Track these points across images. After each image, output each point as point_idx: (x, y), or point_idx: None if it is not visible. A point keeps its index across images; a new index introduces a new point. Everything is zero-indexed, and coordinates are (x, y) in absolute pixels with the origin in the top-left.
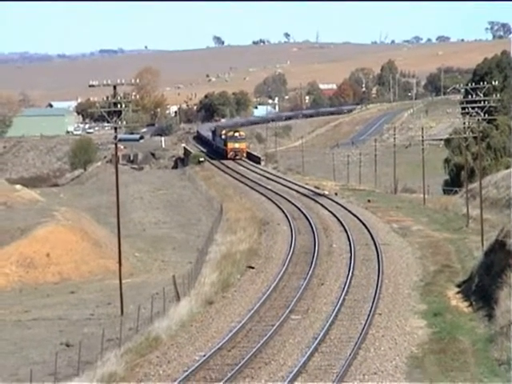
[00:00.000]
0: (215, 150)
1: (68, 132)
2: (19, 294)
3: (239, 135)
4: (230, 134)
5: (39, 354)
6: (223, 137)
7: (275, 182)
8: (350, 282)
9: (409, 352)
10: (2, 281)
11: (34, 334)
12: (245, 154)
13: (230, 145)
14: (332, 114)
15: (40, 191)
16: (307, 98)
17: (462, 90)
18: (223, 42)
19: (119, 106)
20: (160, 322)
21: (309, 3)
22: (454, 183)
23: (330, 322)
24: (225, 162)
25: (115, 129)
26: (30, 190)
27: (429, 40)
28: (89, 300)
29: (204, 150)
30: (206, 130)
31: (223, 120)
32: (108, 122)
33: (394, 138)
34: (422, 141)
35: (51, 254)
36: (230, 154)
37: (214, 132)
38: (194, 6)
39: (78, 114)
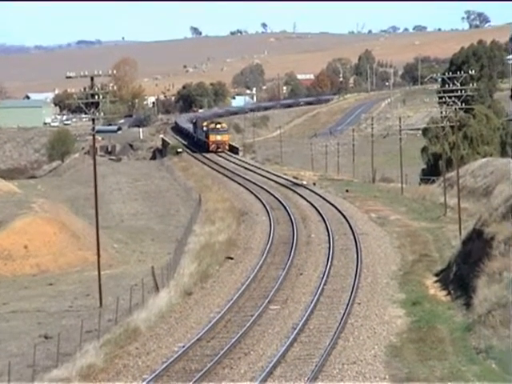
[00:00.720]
0: (196, 143)
1: (45, 123)
2: None
3: (221, 127)
4: (212, 126)
5: (17, 346)
6: (205, 129)
7: (253, 172)
8: (328, 272)
9: (387, 341)
10: None
11: (12, 326)
12: (227, 147)
13: (212, 137)
14: (311, 103)
15: (17, 183)
16: (285, 88)
17: (439, 80)
18: (201, 33)
19: (97, 97)
20: (139, 314)
21: None
22: (431, 172)
23: (308, 311)
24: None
25: (93, 120)
26: (7, 182)
27: (406, 30)
28: (67, 292)
29: (184, 143)
30: (184, 120)
31: (201, 110)
32: (85, 113)
33: (372, 128)
34: (400, 130)
35: (29, 246)
36: (212, 147)
37: (194, 124)
38: None
39: (56, 105)
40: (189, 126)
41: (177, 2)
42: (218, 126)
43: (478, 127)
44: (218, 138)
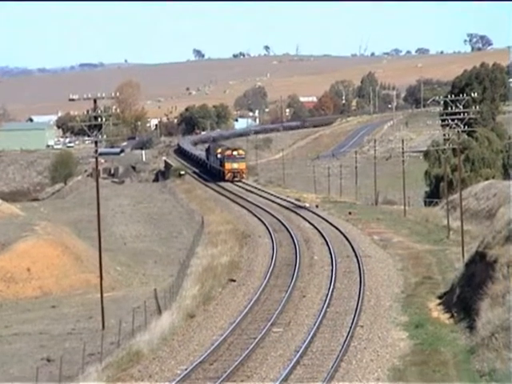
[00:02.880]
0: (210, 171)
1: (48, 146)
2: None
3: (238, 154)
4: (228, 152)
5: (20, 369)
6: (219, 156)
7: (256, 194)
8: (331, 294)
9: (391, 364)
10: None
11: (14, 349)
12: (244, 176)
13: (228, 165)
14: (316, 126)
15: (20, 205)
16: (287, 110)
17: (442, 102)
18: (203, 55)
19: (99, 119)
20: (141, 336)
21: (289, 16)
22: (434, 195)
23: (311, 334)
24: (204, 174)
25: (96, 143)
26: (10, 205)
27: (408, 52)
28: (70, 314)
29: (195, 170)
30: (186, 143)
31: (203, 133)
32: (88, 135)
33: (375, 150)
34: (403, 153)
35: (32, 269)
36: (228, 176)
37: (207, 150)
38: (175, 19)
39: (59, 127)
40: (199, 153)
41: (180, 24)
42: (235, 152)
43: (480, 150)
44: (235, 165)
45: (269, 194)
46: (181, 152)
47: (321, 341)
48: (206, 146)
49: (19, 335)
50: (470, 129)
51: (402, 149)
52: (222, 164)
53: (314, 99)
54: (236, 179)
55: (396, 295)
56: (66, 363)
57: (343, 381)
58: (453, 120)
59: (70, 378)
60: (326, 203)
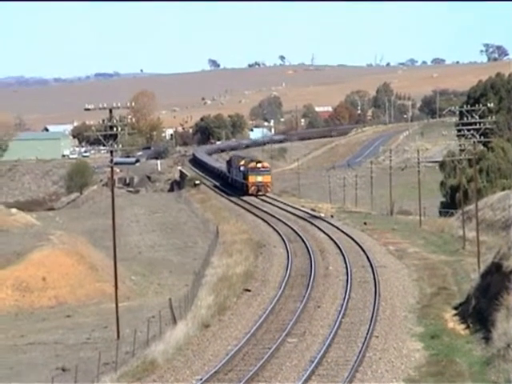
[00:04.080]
0: (231, 184)
1: (64, 155)
2: (15, 318)
3: (262, 167)
4: (252, 165)
5: (35, 378)
6: (242, 168)
7: (271, 204)
8: (346, 305)
9: (406, 375)
10: None
11: (29, 358)
12: (269, 189)
13: (252, 178)
14: (325, 136)
15: (36, 215)
16: (303, 120)
17: (457, 112)
18: (219, 65)
19: (115, 129)
20: (156, 346)
21: (304, 26)
22: (449, 205)
23: (326, 344)
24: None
25: (111, 152)
26: (25, 214)
27: (424, 62)
28: (85, 324)
29: (215, 183)
30: (201, 152)
31: (218, 142)
32: (104, 145)
33: (390, 160)
34: (418, 163)
35: (47, 278)
36: (252, 189)
37: (229, 162)
38: (190, 29)
39: (74, 137)
40: (220, 165)
41: (195, 34)
42: (259, 165)
43: (496, 160)
44: (259, 179)
45: (284, 203)
46: (196, 162)
47: (336, 351)
48: (228, 157)
49: (34, 344)
50: (485, 139)
51: (418, 159)
52: (245, 177)
53: (330, 109)
54: (260, 193)
55: (411, 306)
56: (81, 373)
57: None
58: (468, 130)
59: None
60: (341, 213)
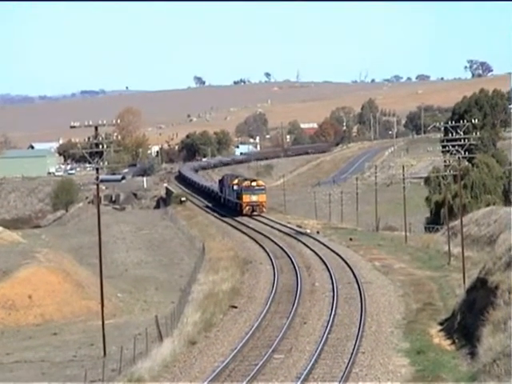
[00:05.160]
0: (224, 204)
1: (50, 173)
2: (1, 337)
3: (257, 185)
4: (246, 183)
5: None
6: (235, 187)
7: (257, 221)
8: (332, 321)
9: None
10: None
11: (16, 376)
12: (264, 209)
13: (246, 198)
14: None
15: (22, 233)
16: (288, 137)
17: (442, 128)
18: (204, 82)
19: (101, 146)
20: (143, 363)
21: (289, 43)
22: (435, 221)
23: (313, 360)
24: (204, 199)
25: (97, 169)
26: (11, 232)
27: (409, 79)
28: (71, 341)
29: (207, 203)
30: (187, 169)
31: (204, 159)
32: (90, 162)
33: (376, 177)
34: (403, 179)
35: (33, 296)
36: (246, 209)
37: (221, 182)
38: (175, 46)
39: (60, 154)
40: (211, 185)
41: (180, 51)
42: (254, 183)
43: (480, 176)
44: (254, 198)
45: (270, 220)
46: (182, 179)
47: (322, 367)
48: (219, 177)
49: (20, 363)
50: (470, 155)
51: (403, 175)
52: (239, 196)
53: (315, 126)
54: (255, 213)
55: (397, 321)
56: None
57: None
58: (453, 146)
59: None
60: (327, 229)
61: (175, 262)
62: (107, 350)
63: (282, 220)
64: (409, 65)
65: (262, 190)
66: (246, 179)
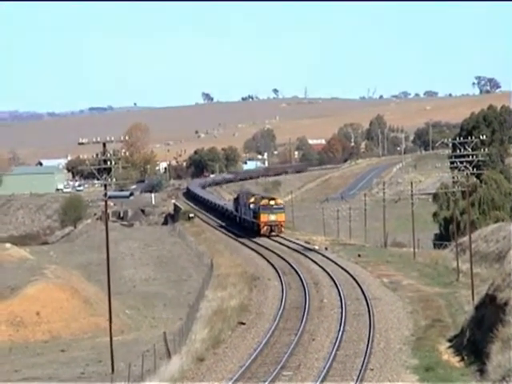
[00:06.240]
0: (240, 224)
1: (58, 190)
2: (9, 353)
3: (276, 204)
4: (264, 202)
5: None
6: (252, 206)
7: (265, 236)
8: (341, 337)
9: None
10: None
11: None
12: (283, 229)
13: (264, 217)
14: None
15: (30, 249)
16: (296, 153)
17: (450, 145)
18: (212, 99)
19: (109, 163)
20: (151, 380)
21: (297, 59)
22: (443, 237)
23: (321, 377)
24: (212, 215)
25: (105, 186)
26: (19, 249)
27: (417, 95)
28: (79, 358)
29: (220, 223)
30: (195, 185)
31: (212, 175)
32: (98, 179)
33: (384, 193)
34: (412, 195)
35: (41, 313)
36: (264, 230)
37: (236, 200)
38: (183, 63)
39: (68, 171)
40: (225, 203)
41: (188, 68)
42: (272, 202)
43: (488, 192)
44: (272, 217)
45: (278, 236)
46: (190, 195)
47: None
48: (235, 195)
49: (28, 380)
50: (478, 171)
51: (411, 191)
52: (256, 216)
53: (323, 142)
54: (273, 233)
55: (406, 338)
56: None
57: None
58: (461, 162)
59: None
60: (335, 245)
61: (183, 279)
62: (115, 367)
63: (290, 236)
64: (417, 81)
65: (281, 208)
66: (263, 197)
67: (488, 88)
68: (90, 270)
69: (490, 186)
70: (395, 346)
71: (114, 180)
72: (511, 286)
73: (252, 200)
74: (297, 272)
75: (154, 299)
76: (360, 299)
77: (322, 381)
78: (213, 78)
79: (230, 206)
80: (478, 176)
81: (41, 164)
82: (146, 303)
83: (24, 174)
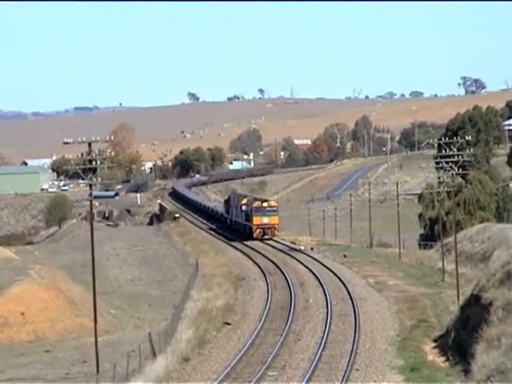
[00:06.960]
0: (231, 227)
1: (43, 189)
2: None
3: (269, 206)
4: (256, 204)
5: None
6: (244, 208)
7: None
8: (326, 338)
9: None
10: None
11: None
12: (276, 232)
13: (257, 219)
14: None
15: (15, 249)
16: (282, 153)
17: (436, 145)
18: (198, 99)
19: (94, 162)
20: (136, 380)
21: (283, 59)
22: (428, 237)
23: (307, 377)
24: (197, 215)
25: (90, 186)
26: (4, 249)
27: (402, 95)
28: (64, 359)
29: (209, 225)
30: (181, 185)
31: (197, 176)
32: (83, 178)
33: (369, 193)
34: (397, 195)
35: (26, 313)
36: (257, 233)
37: (227, 202)
38: (169, 62)
39: (53, 171)
40: (214, 205)
41: (174, 67)
42: (265, 204)
43: (473, 192)
44: (265, 220)
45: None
46: (175, 195)
47: None
48: (226, 197)
49: (13, 380)
50: (464, 171)
51: (397, 192)
52: (248, 218)
53: (309, 142)
54: (266, 237)
55: (391, 338)
56: None
57: None
58: (447, 163)
59: None
60: (320, 246)
61: (168, 279)
62: (100, 367)
63: (275, 236)
64: (402, 81)
65: (275, 211)
66: (256, 199)
67: (473, 89)
68: (74, 270)
69: (475, 187)
70: (381, 347)
71: (100, 180)
72: (496, 286)
73: (244, 202)
74: (282, 272)
75: (139, 299)
76: (345, 299)
77: (308, 381)
78: (198, 77)
79: (219, 207)
80: (463, 176)
81: (26, 164)
82: (131, 303)
83: (9, 173)
